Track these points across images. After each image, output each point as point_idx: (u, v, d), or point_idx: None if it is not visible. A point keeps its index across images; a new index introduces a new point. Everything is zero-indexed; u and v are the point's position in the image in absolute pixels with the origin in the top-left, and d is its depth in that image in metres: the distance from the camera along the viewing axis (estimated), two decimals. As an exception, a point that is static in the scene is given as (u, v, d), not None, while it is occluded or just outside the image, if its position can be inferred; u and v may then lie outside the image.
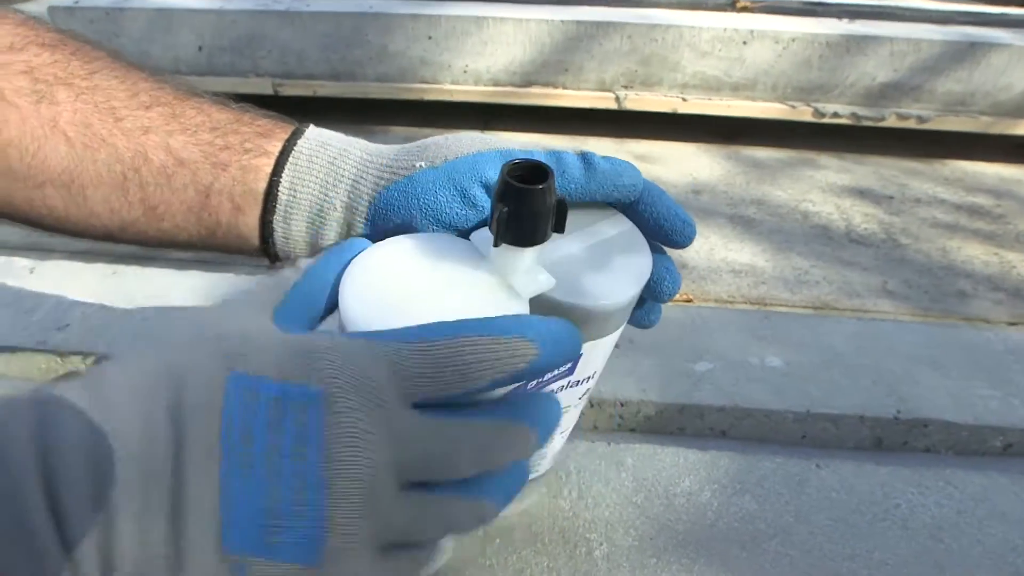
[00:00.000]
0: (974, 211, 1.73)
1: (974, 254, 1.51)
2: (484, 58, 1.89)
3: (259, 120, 0.33)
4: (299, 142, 0.32)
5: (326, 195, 0.32)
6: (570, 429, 0.40)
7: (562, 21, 1.90)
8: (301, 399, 0.20)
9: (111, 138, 0.31)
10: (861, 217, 1.66)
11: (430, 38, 1.88)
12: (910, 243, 1.55)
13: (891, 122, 1.98)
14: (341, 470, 0.20)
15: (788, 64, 1.95)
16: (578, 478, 0.48)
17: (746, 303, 1.31)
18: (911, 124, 1.98)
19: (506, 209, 0.25)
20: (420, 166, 0.31)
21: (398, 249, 0.28)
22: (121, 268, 0.72)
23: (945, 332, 0.66)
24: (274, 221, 0.32)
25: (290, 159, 0.32)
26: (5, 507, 0.18)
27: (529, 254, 0.26)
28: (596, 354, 0.33)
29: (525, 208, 0.25)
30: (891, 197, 1.79)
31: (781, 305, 1.31)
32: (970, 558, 0.44)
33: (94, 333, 0.61)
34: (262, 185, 0.32)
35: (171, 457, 0.20)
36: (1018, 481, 0.50)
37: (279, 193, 0.32)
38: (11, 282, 0.68)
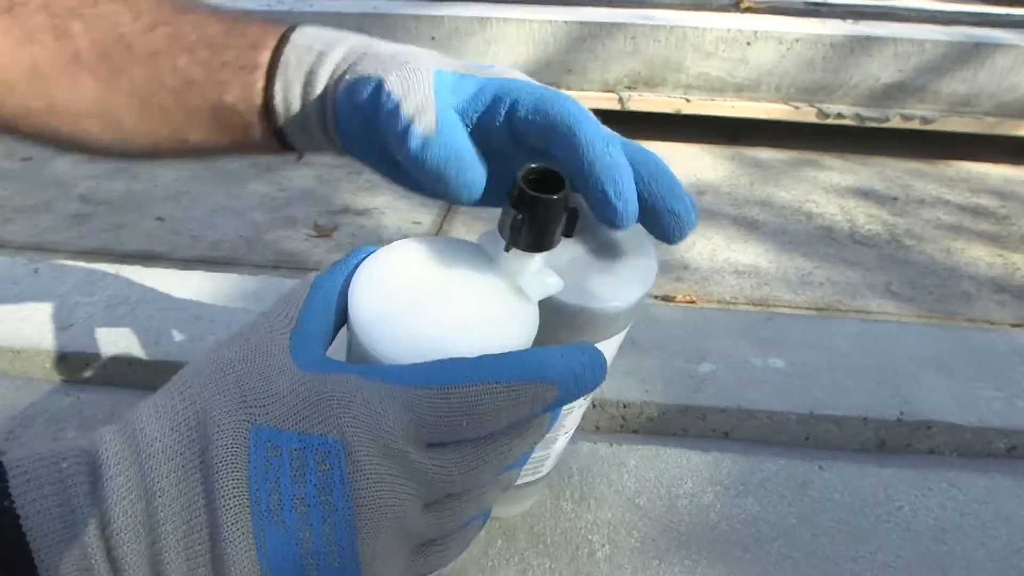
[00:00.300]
0: (978, 212, 1.72)
1: (978, 255, 1.51)
2: (487, 58, 1.89)
3: (251, 29, 0.33)
4: (285, 50, 0.32)
5: (307, 103, 0.32)
6: (573, 429, 0.40)
7: (565, 22, 1.90)
8: (321, 449, 0.21)
9: (127, 67, 0.32)
10: (865, 218, 1.66)
11: (433, 39, 1.89)
12: (914, 244, 1.54)
13: (895, 123, 1.97)
14: (367, 512, 0.21)
15: (792, 65, 1.95)
16: (580, 479, 0.48)
17: (749, 304, 1.31)
18: (915, 125, 1.97)
19: (520, 216, 0.25)
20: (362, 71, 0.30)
21: (405, 252, 0.28)
22: (124, 268, 0.72)
23: (949, 334, 0.66)
24: (283, 129, 0.33)
25: (279, 71, 0.32)
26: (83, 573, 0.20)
27: (539, 258, 0.26)
28: (605, 354, 0.33)
29: (540, 215, 0.25)
30: (895, 198, 1.78)
31: (784, 306, 1.31)
32: (974, 561, 0.43)
33: (97, 334, 0.61)
34: (260, 100, 0.32)
35: (207, 512, 0.21)
36: (1022, 483, 0.50)
37: (276, 106, 0.32)
38: (15, 282, 0.68)
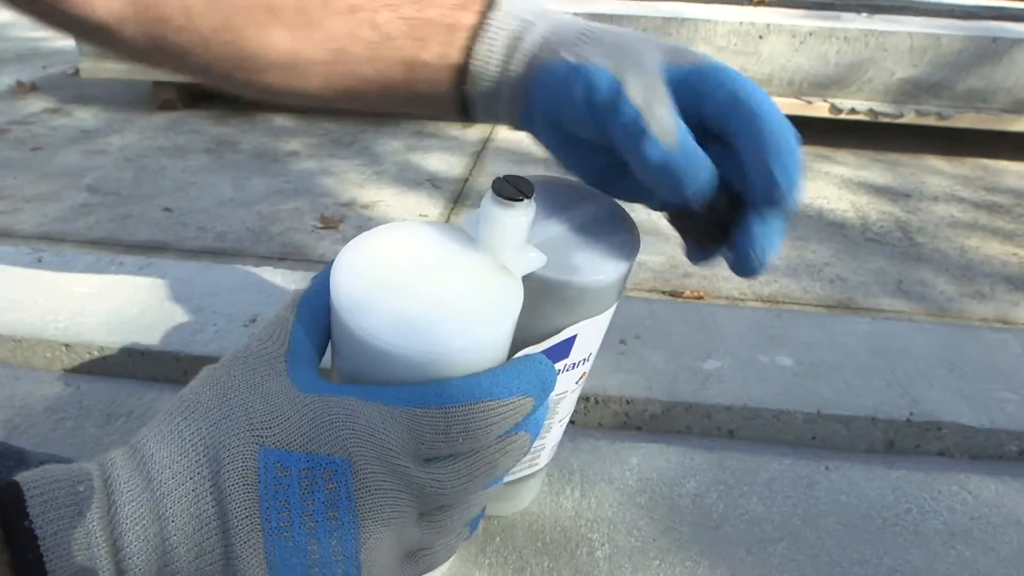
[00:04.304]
0: (993, 210, 1.70)
1: (992, 253, 1.48)
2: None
3: None
4: (493, 14, 0.32)
5: (505, 72, 0.32)
6: (567, 417, 0.39)
7: (575, 14, 1.88)
8: (328, 468, 0.22)
9: (323, 20, 0.32)
10: (877, 215, 1.64)
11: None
12: (927, 242, 1.52)
13: (910, 119, 1.95)
14: (370, 524, 0.23)
15: (805, 59, 1.92)
16: (581, 477, 0.47)
17: (758, 301, 1.30)
18: (930, 121, 1.95)
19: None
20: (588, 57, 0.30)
21: (385, 236, 0.28)
22: (127, 258, 0.71)
23: (961, 333, 0.64)
24: (470, 93, 0.33)
25: (484, 34, 0.32)
26: None
27: (522, 230, 0.26)
28: (591, 335, 0.33)
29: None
30: (908, 195, 1.76)
31: (793, 303, 1.30)
32: (984, 566, 0.42)
33: (99, 323, 0.61)
34: (457, 59, 0.32)
35: (219, 533, 0.22)
36: (1035, 487, 0.48)
37: (472, 69, 0.32)
38: (18, 271, 0.68)
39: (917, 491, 0.48)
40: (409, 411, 0.23)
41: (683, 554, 0.42)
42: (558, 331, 0.31)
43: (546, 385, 0.25)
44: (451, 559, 0.40)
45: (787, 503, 0.46)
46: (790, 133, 0.27)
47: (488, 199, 0.26)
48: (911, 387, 0.56)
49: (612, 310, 0.33)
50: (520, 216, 0.26)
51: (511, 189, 0.25)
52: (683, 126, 0.27)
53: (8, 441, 0.41)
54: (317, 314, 0.27)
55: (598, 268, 0.30)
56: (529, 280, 0.28)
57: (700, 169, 0.27)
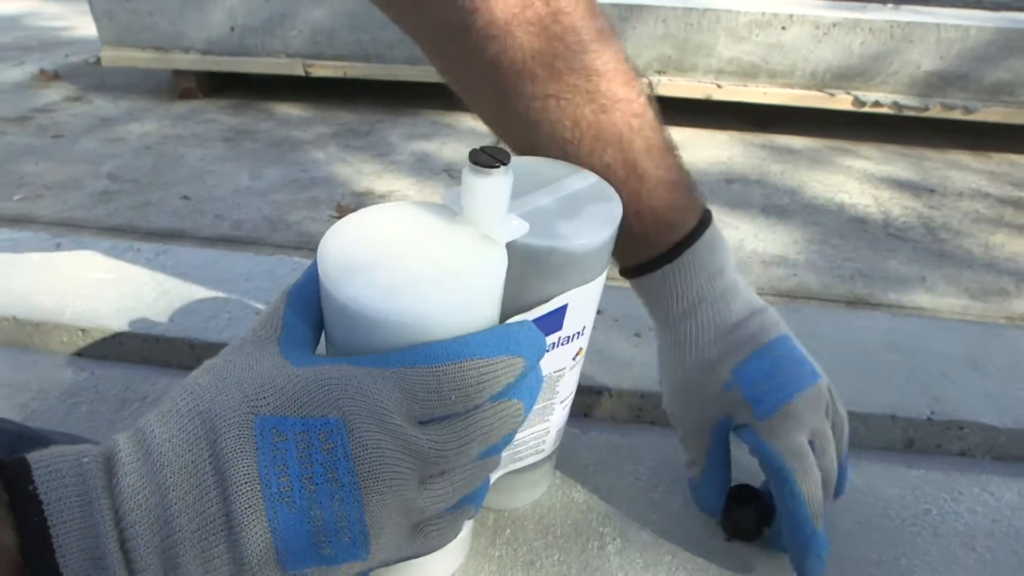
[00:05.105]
0: (1020, 206, 1.66)
1: (1018, 250, 1.45)
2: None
3: (691, 196, 0.38)
4: (697, 243, 0.37)
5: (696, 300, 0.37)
6: (570, 398, 0.39)
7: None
8: (324, 429, 0.23)
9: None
10: (900, 210, 1.61)
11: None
12: (950, 238, 1.49)
13: (935, 112, 1.91)
14: (371, 484, 0.23)
15: (828, 50, 1.89)
16: (594, 470, 0.47)
17: (776, 296, 1.28)
18: (956, 115, 1.91)
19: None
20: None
21: (371, 214, 0.29)
22: (144, 245, 0.72)
23: (985, 330, 0.63)
24: (646, 278, 0.39)
25: (683, 257, 0.37)
26: (95, 568, 0.21)
27: (501, 191, 0.26)
28: (583, 305, 0.33)
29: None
30: (932, 190, 1.73)
31: (812, 298, 1.28)
32: (1004, 570, 0.41)
33: (114, 309, 0.61)
34: (651, 255, 0.37)
35: (220, 501, 0.22)
36: (1059, 490, 0.47)
37: (651, 272, 0.38)
38: (38, 257, 0.69)
39: (937, 491, 0.47)
40: (400, 372, 0.24)
41: (695, 550, 0.41)
42: (547, 300, 0.31)
43: (534, 347, 0.26)
44: (464, 551, 0.40)
45: (803, 501, 0.45)
46: (817, 541, 0.36)
47: (466, 169, 0.26)
48: (932, 385, 0.55)
49: (601, 279, 0.34)
50: (498, 183, 0.26)
51: (487, 157, 0.26)
52: (715, 476, 0.40)
53: (23, 425, 0.41)
54: (308, 302, 0.28)
55: (582, 233, 0.30)
56: (516, 249, 0.28)
57: (707, 503, 0.41)
